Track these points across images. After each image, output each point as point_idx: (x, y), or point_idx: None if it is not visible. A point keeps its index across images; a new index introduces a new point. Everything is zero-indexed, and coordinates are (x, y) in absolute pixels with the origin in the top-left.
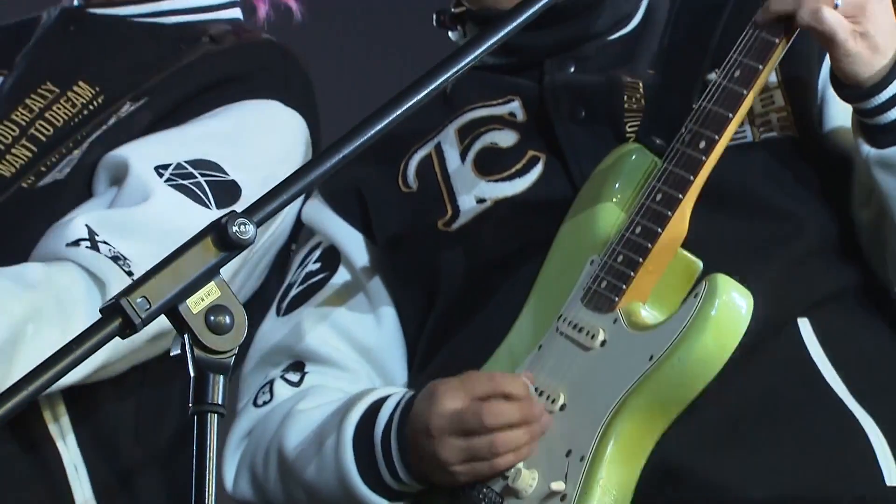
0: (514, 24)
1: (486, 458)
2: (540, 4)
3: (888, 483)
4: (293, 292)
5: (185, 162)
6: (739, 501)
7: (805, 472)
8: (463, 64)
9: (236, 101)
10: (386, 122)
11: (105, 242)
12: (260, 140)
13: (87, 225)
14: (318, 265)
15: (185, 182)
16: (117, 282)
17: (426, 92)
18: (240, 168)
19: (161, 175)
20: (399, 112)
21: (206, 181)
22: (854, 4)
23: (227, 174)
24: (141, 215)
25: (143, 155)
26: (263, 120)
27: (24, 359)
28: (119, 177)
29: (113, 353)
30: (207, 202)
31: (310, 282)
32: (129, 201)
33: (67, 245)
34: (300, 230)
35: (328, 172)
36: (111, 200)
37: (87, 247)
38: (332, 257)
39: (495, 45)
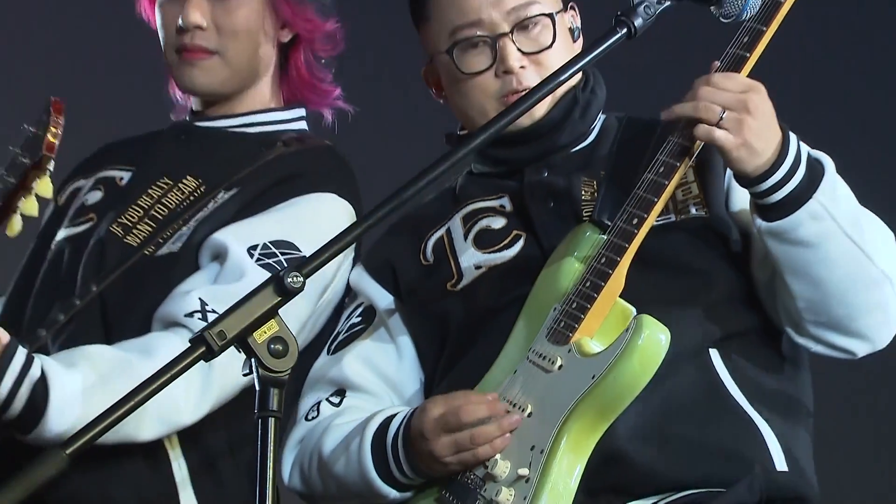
0: (483, 136)
1: (469, 448)
2: (493, 129)
3: (778, 469)
4: (340, 338)
5: (269, 242)
6: (664, 479)
7: (715, 459)
8: (444, 167)
9: (303, 193)
10: (391, 206)
11: (213, 311)
12: (321, 223)
13: (200, 298)
14: (359, 318)
15: (270, 261)
16: None
17: (420, 185)
18: (309, 245)
19: (252, 255)
20: (400, 200)
21: (285, 259)
22: (733, 122)
23: (300, 251)
24: (239, 290)
25: (238, 238)
26: (323, 208)
27: (151, 413)
28: (219, 254)
29: (220, 402)
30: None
31: (352, 331)
32: (230, 278)
33: (185, 315)
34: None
35: (352, 241)
36: (216, 274)
37: (199, 318)
38: (370, 313)
39: (468, 153)
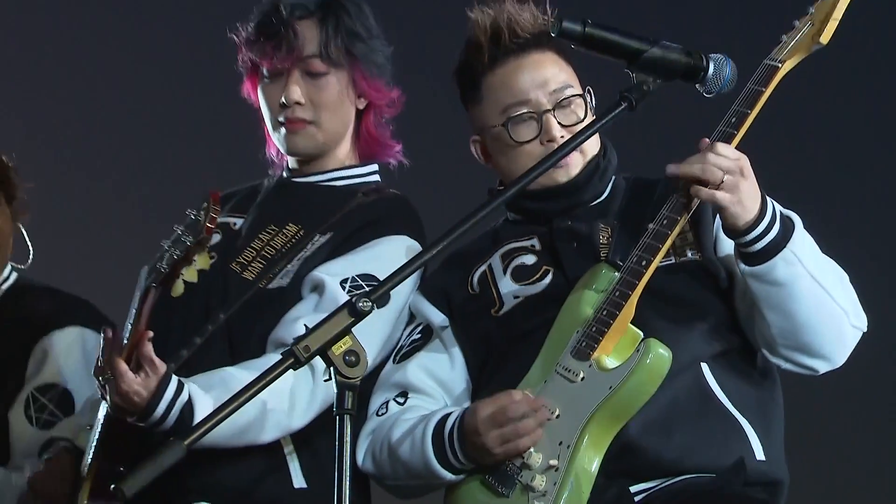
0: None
1: (513, 439)
2: (533, 175)
3: (757, 458)
4: (403, 350)
5: (356, 276)
6: (667, 466)
7: (707, 449)
8: (476, 218)
9: (382, 236)
10: (440, 246)
11: None
12: (397, 259)
13: (305, 325)
14: (419, 335)
15: (357, 291)
16: (322, 365)
17: (460, 231)
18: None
19: (344, 287)
20: (446, 241)
21: (369, 288)
22: (731, 185)
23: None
24: None
25: (332, 274)
26: (399, 247)
27: (270, 421)
28: (317, 286)
29: (321, 411)
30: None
31: (413, 345)
32: (328, 307)
33: (294, 339)
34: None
35: (409, 273)
36: (316, 304)
37: None
38: (427, 331)
39: (496, 206)
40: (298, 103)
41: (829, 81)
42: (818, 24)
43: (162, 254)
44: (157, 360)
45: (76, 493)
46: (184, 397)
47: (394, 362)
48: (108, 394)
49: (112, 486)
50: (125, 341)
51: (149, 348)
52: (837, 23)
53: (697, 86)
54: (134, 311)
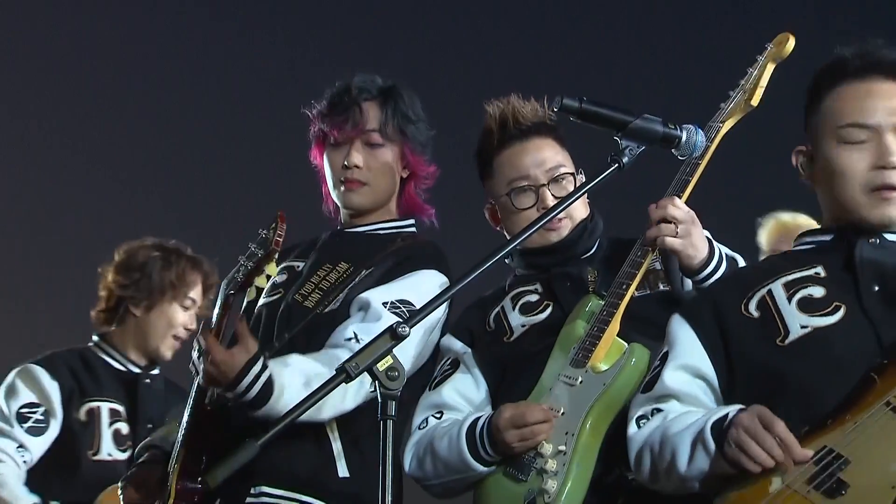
0: (516, 241)
1: (529, 439)
2: (519, 239)
3: None
4: (437, 379)
5: (396, 300)
6: None
7: None
8: (495, 258)
9: (416, 270)
10: (461, 284)
11: (361, 340)
12: (427, 288)
13: (354, 331)
14: (449, 366)
15: (396, 311)
16: None
17: (477, 273)
18: (420, 301)
19: (385, 307)
20: (466, 280)
21: (406, 311)
22: (686, 230)
23: (414, 305)
24: (377, 327)
25: (376, 297)
26: (430, 279)
27: (328, 403)
28: (363, 306)
29: (366, 399)
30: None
31: (444, 374)
32: (372, 319)
33: (345, 340)
34: (438, 353)
35: (437, 306)
36: (362, 317)
37: (353, 342)
38: (455, 362)
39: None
40: (357, 166)
41: (761, 135)
42: (749, 91)
43: (238, 267)
44: (251, 339)
45: (166, 479)
46: (266, 375)
47: (429, 389)
48: (201, 365)
49: (199, 478)
50: (212, 326)
51: (244, 327)
52: (763, 89)
53: (673, 150)
54: (217, 309)
